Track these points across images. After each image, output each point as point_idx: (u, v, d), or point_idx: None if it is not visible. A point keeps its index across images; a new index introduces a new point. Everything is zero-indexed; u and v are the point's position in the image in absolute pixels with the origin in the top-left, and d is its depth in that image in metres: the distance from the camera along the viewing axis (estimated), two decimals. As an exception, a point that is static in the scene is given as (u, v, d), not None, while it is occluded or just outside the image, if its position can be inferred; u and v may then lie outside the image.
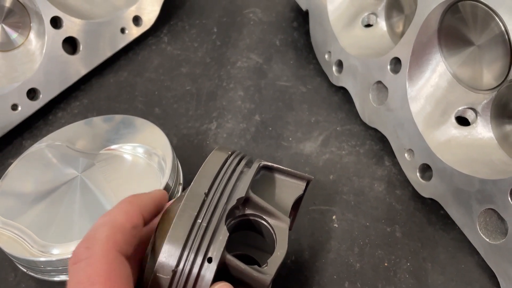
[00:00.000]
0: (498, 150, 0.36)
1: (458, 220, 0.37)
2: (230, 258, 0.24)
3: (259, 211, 0.27)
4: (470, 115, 0.39)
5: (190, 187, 0.25)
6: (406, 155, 0.41)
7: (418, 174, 0.40)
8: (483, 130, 0.38)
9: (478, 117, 0.38)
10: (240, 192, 0.26)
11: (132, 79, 0.55)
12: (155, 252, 0.24)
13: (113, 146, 0.37)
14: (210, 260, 0.23)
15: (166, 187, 0.34)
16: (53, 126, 0.50)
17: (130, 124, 0.40)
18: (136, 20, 0.57)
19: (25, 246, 0.32)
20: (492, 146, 0.37)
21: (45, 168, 0.37)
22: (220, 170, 0.27)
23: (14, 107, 0.47)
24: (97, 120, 0.41)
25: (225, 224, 0.25)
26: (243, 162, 0.29)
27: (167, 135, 0.39)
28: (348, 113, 0.48)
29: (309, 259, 0.37)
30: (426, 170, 0.39)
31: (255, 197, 0.27)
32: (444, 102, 0.40)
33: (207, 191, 0.25)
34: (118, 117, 0.41)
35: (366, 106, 0.46)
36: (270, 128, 0.47)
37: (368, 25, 0.50)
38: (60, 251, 0.32)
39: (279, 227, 0.27)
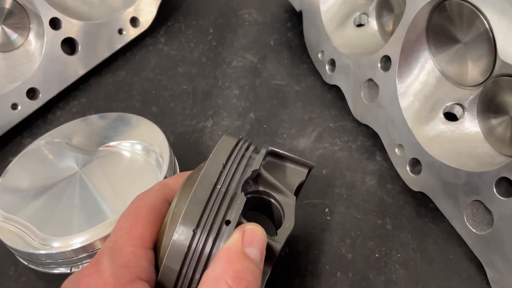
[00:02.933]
0: (484, 143, 0.38)
1: (446, 212, 0.38)
2: (246, 222, 0.26)
3: (268, 187, 0.29)
4: (457, 111, 0.40)
5: (209, 158, 0.27)
6: (396, 150, 0.42)
7: (408, 168, 0.41)
8: (470, 125, 0.39)
9: (465, 113, 0.39)
10: (255, 165, 0.28)
11: (130, 78, 0.56)
12: (176, 214, 0.26)
13: (111, 143, 0.38)
14: (228, 223, 0.25)
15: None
16: (52, 125, 0.51)
17: (127, 122, 0.41)
18: (134, 21, 0.58)
19: (26, 240, 0.33)
20: (479, 140, 0.38)
21: (44, 164, 0.38)
22: (235, 147, 0.29)
23: (14, 106, 0.48)
24: (95, 118, 0.42)
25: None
26: (252, 146, 0.31)
27: (164, 133, 0.40)
28: (340, 110, 0.49)
29: (303, 251, 0.38)
30: (415, 164, 0.40)
31: (266, 174, 0.29)
32: (432, 98, 0.41)
33: (225, 162, 0.27)
34: (115, 114, 0.42)
35: (358, 104, 0.47)
36: (265, 126, 0.48)
37: (360, 25, 0.51)
38: (60, 244, 0.33)
39: (286, 202, 0.29)
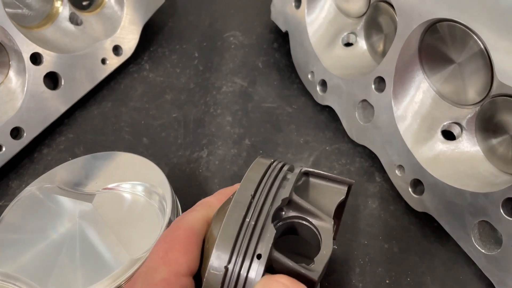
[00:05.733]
0: (485, 162, 0.38)
1: (452, 233, 0.38)
2: (278, 255, 0.25)
3: (303, 212, 0.28)
4: (455, 129, 0.40)
5: (237, 190, 0.27)
6: (396, 171, 0.42)
7: (410, 189, 0.41)
8: (468, 144, 0.39)
9: (463, 131, 0.39)
10: (284, 193, 0.27)
11: (117, 109, 0.54)
12: (209, 250, 0.26)
13: (110, 185, 0.37)
14: (259, 257, 0.25)
15: (168, 225, 0.33)
16: (40, 164, 0.49)
17: (123, 161, 0.39)
18: (116, 49, 0.57)
19: (27, 298, 0.31)
20: (479, 159, 0.38)
21: (40, 213, 0.36)
22: (264, 175, 0.28)
23: (-2, 148, 0.46)
24: (88, 159, 0.40)
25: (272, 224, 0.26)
26: (285, 168, 0.30)
27: (158, 164, 0.39)
28: (335, 132, 0.49)
29: (313, 283, 0.37)
30: (417, 185, 0.40)
31: (298, 199, 0.28)
32: (429, 118, 0.41)
33: (253, 193, 0.27)
34: (109, 153, 0.40)
35: (353, 124, 0.47)
36: (261, 151, 0.48)
37: (348, 44, 0.51)
38: (64, 301, 0.31)
39: (323, 227, 0.28)
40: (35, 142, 0.50)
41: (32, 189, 0.38)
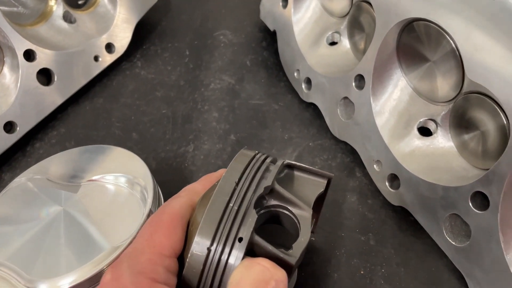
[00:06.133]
0: (458, 157, 0.39)
1: (426, 226, 0.39)
2: (258, 239, 0.27)
3: (284, 201, 0.30)
4: (431, 126, 0.41)
5: (222, 178, 0.29)
6: (375, 166, 0.43)
7: (387, 183, 0.42)
8: (443, 140, 0.40)
9: (438, 128, 0.40)
10: (267, 182, 0.29)
11: (108, 105, 0.56)
12: (192, 233, 0.27)
13: (94, 177, 0.38)
14: (240, 240, 0.26)
15: (149, 215, 0.35)
16: (32, 158, 0.50)
17: (109, 154, 0.41)
18: (109, 47, 0.58)
19: (12, 283, 0.33)
20: (453, 154, 0.39)
21: (26, 203, 0.37)
22: (248, 165, 0.30)
23: (-9, 141, 0.48)
24: (75, 151, 0.42)
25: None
26: (268, 160, 0.32)
27: (146, 159, 0.40)
28: (319, 129, 0.50)
29: (290, 273, 0.38)
30: (394, 179, 0.42)
31: (280, 188, 0.30)
32: (406, 114, 0.42)
33: (237, 181, 0.28)
34: (96, 147, 0.42)
35: (335, 121, 0.48)
36: (246, 147, 0.49)
37: (333, 43, 0.52)
38: (48, 286, 0.32)
39: (302, 216, 0.30)
40: (28, 136, 0.51)
41: (21, 180, 0.40)
